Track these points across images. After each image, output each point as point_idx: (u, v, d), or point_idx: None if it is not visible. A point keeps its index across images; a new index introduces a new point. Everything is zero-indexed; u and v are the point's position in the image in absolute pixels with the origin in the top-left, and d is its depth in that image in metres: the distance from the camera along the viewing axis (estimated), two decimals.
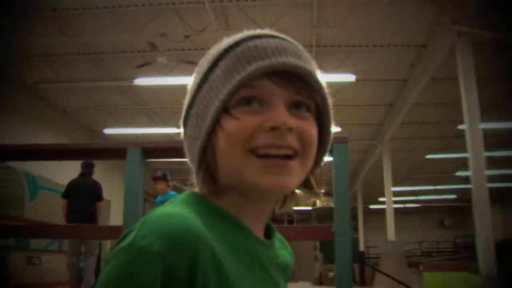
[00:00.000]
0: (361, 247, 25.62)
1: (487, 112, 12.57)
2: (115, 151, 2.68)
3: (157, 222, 0.64)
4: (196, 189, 0.78)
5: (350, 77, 11.28)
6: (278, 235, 0.90)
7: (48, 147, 3.08)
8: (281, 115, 0.71)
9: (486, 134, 9.07)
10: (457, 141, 15.59)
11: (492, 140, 13.54)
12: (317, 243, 13.78)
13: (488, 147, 9.41)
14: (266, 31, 0.77)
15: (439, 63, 10.54)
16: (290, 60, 0.72)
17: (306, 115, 0.75)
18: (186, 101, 0.79)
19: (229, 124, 0.71)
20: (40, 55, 11.43)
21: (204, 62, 0.78)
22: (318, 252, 14.76)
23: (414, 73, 12.03)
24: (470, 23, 8.75)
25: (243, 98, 0.72)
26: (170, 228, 0.63)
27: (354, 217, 28.03)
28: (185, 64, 9.89)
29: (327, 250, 16.43)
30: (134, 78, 11.35)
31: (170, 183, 6.58)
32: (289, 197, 0.84)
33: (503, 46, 10.54)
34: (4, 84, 11.71)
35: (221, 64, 0.74)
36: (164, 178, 6.50)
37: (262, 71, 0.71)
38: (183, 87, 0.89)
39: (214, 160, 0.74)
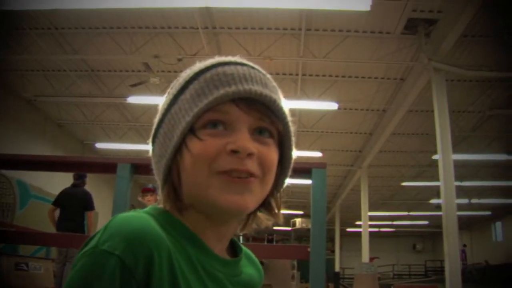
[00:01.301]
0: (337, 268, 25.87)
1: (458, 144, 13.19)
2: (106, 165, 2.65)
3: (118, 226, 0.66)
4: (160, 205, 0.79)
5: (332, 106, 11.41)
6: (247, 253, 0.91)
7: (41, 158, 3.06)
8: (243, 139, 0.73)
9: (457, 164, 9.32)
10: (431, 169, 16.06)
11: (462, 170, 14.11)
12: (295, 263, 14.02)
13: (458, 177, 9.77)
14: (237, 58, 0.79)
15: (415, 96, 10.94)
16: (256, 88, 0.74)
17: (268, 141, 0.76)
18: (156, 120, 0.80)
19: (194, 145, 0.73)
20: (39, 70, 11.71)
21: (175, 84, 0.79)
22: (295, 271, 15.03)
23: (392, 104, 12.36)
24: (445, 61, 9.06)
25: (209, 121, 0.73)
26: (129, 231, 0.64)
27: (331, 239, 28.33)
28: None
29: (303, 270, 16.71)
30: (128, 96, 11.53)
31: (158, 197, 6.68)
32: (250, 218, 0.83)
33: (473, 83, 11.11)
34: (2, 96, 11.98)
35: (191, 87, 0.75)
36: (154, 190, 6.43)
37: (228, 97, 0.73)
38: None
39: (178, 178, 0.75)
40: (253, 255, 0.92)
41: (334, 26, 9.54)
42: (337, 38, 9.84)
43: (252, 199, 0.75)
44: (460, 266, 8.37)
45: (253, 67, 0.78)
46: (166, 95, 0.81)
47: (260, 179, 0.75)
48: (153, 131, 0.81)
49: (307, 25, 9.49)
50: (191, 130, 0.73)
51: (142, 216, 0.69)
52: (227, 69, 0.75)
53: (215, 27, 9.75)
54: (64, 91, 12.45)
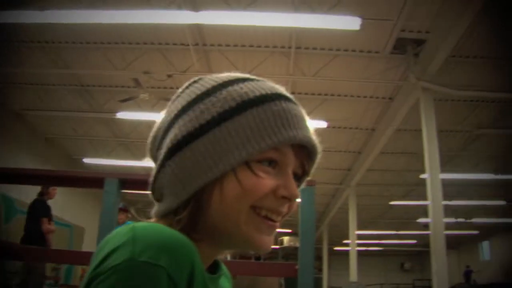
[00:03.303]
0: (325, 287, 25.76)
1: (446, 163, 13.25)
2: (93, 180, 2.61)
3: (151, 236, 0.60)
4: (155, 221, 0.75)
5: (322, 124, 11.49)
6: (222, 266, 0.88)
7: (27, 172, 3.00)
8: (294, 187, 0.72)
9: (445, 183, 9.31)
10: (419, 189, 16.09)
11: (450, 189, 14.16)
12: (282, 281, 13.94)
13: (446, 196, 9.81)
14: (283, 90, 0.76)
15: (404, 115, 11.02)
16: (312, 137, 0.75)
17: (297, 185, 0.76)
18: (185, 126, 0.72)
19: (248, 179, 0.69)
20: (29, 83, 11.62)
21: (218, 98, 0.72)
22: None
23: (381, 123, 12.43)
24: (433, 80, 9.14)
25: (267, 158, 0.70)
26: (166, 241, 0.60)
27: (319, 258, 28.24)
28: (167, 101, 10.05)
29: None
30: (117, 112, 11.53)
31: (129, 215, 6.78)
32: None
33: (461, 103, 11.23)
34: None
35: (254, 112, 0.70)
36: (124, 209, 6.67)
37: (295, 141, 0.71)
38: None
39: (209, 203, 0.70)
40: (224, 267, 0.87)
41: (323, 45, 9.61)
42: (327, 57, 9.92)
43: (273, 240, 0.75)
44: (447, 285, 8.35)
45: (297, 104, 0.76)
46: (197, 93, 0.75)
47: None
48: (179, 137, 0.72)
49: (297, 43, 9.55)
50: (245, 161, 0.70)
51: (164, 226, 0.65)
52: (292, 108, 0.73)
53: (205, 44, 9.77)
54: (53, 105, 12.40)
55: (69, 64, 10.62)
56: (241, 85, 0.73)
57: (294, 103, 0.75)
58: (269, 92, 0.73)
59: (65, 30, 9.33)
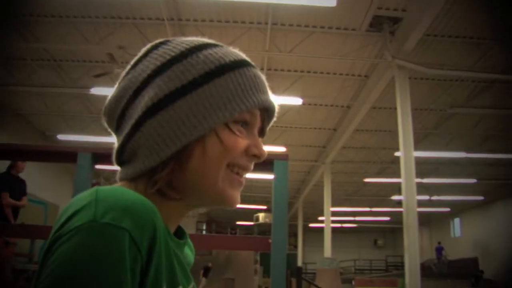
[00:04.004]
0: (300, 263, 26.12)
1: (420, 141, 13.46)
2: (66, 154, 2.52)
3: (113, 198, 0.61)
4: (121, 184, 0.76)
5: (297, 101, 11.56)
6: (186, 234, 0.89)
7: (0, 147, 2.86)
8: (262, 145, 0.78)
9: (418, 161, 9.46)
10: (393, 166, 16.38)
11: (423, 167, 14.40)
12: (258, 257, 14.07)
13: (419, 174, 9.98)
14: (245, 56, 0.80)
15: (379, 93, 11.13)
16: (274, 102, 0.80)
17: None
18: (167, 85, 0.72)
19: (228, 138, 0.73)
20: None
21: (197, 61, 0.74)
22: (258, 265, 15.11)
23: (356, 101, 12.51)
24: (408, 59, 9.19)
25: (242, 119, 0.75)
26: (129, 203, 0.60)
27: (294, 234, 28.62)
28: None
29: (266, 264, 16.86)
30: (91, 87, 11.35)
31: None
32: None
33: (435, 82, 11.38)
34: None
35: (232, 76, 0.74)
36: (98, 184, 6.49)
37: (265, 104, 0.77)
38: None
39: (188, 162, 0.73)
40: (188, 236, 0.88)
41: (300, 21, 9.60)
42: (303, 34, 9.92)
43: None
44: (419, 261, 8.52)
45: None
46: (171, 54, 0.75)
47: None
48: (160, 95, 0.72)
49: (273, 20, 9.52)
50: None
51: (127, 189, 0.65)
52: (259, 74, 0.78)
53: (181, 19, 9.69)
54: (24, 81, 12.11)
55: (40, 38, 10.37)
56: (214, 49, 0.76)
57: (258, 69, 0.79)
58: (239, 58, 0.77)
59: (36, 3, 9.12)
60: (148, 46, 0.80)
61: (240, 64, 0.76)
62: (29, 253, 11.38)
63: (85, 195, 0.63)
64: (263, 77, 0.79)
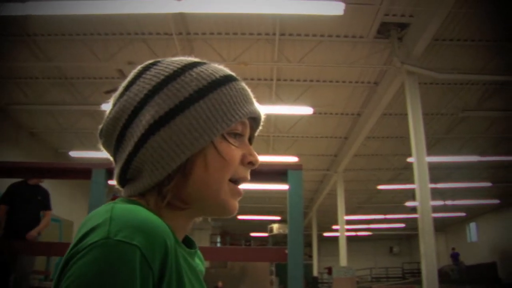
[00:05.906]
0: (315, 273, 25.98)
1: (432, 146, 13.37)
2: (81, 171, 2.58)
3: (126, 216, 0.64)
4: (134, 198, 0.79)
5: (307, 110, 11.48)
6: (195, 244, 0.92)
7: (14, 165, 2.95)
8: (255, 153, 0.83)
9: (431, 166, 9.37)
10: (406, 172, 16.27)
11: (436, 172, 14.29)
12: (273, 268, 14.05)
13: (433, 179, 9.88)
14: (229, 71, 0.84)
15: (389, 99, 11.06)
16: (261, 111, 0.86)
17: None
18: (165, 103, 0.76)
19: (227, 149, 0.78)
20: (12, 77, 11.46)
21: (190, 78, 0.78)
22: (274, 277, 15.09)
23: (366, 108, 12.46)
24: (418, 64, 9.16)
25: (236, 130, 0.80)
26: (141, 221, 0.64)
27: (309, 244, 28.46)
28: None
29: (282, 275, 16.80)
30: (102, 103, 11.28)
31: None
32: None
33: (445, 86, 11.31)
34: None
35: (224, 91, 0.78)
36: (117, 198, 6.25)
37: (254, 114, 0.83)
38: None
39: (192, 173, 0.77)
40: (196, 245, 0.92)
41: (308, 31, 9.61)
42: (311, 43, 9.93)
43: None
44: (436, 268, 8.43)
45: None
46: (164, 74, 0.79)
47: None
48: (163, 111, 0.76)
49: (281, 30, 9.55)
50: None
51: (141, 207, 0.70)
52: (245, 87, 0.83)
53: (189, 33, 9.73)
54: (37, 99, 12.25)
55: (51, 56, 10.50)
56: (204, 67, 0.81)
57: (243, 82, 0.84)
58: (227, 73, 0.82)
59: (47, 22, 9.22)
60: (139, 68, 0.83)
61: (229, 79, 0.81)
62: (45, 270, 11.43)
63: (101, 212, 0.68)
64: (249, 89, 0.84)
